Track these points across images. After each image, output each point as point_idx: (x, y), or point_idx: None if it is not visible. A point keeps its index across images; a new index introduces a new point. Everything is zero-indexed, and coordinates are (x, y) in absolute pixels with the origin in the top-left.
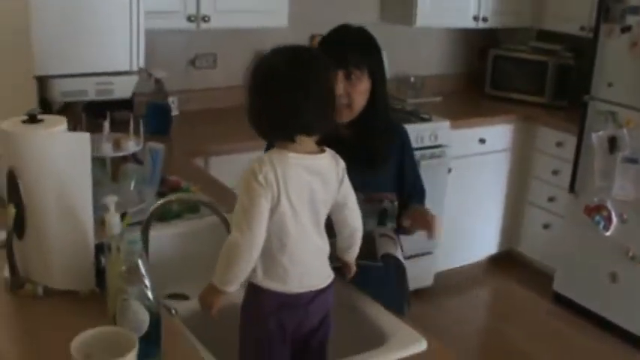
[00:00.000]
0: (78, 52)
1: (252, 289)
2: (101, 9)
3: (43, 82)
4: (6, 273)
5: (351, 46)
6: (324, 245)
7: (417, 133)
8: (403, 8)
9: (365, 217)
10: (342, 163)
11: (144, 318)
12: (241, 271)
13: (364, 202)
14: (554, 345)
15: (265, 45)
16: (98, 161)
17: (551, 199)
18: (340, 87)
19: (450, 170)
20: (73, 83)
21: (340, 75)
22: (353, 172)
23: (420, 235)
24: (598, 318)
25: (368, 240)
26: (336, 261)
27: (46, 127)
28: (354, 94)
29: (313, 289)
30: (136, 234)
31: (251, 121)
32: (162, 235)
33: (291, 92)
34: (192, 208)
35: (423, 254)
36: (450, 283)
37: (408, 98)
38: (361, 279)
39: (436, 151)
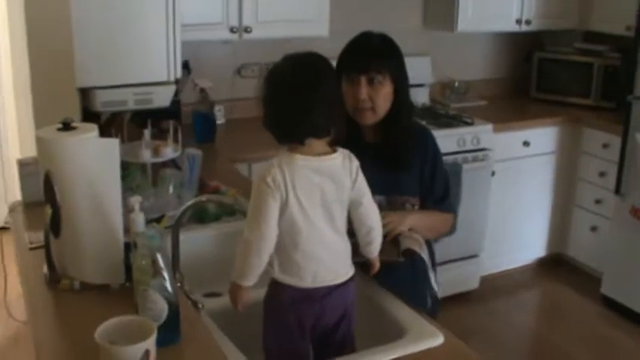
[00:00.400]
0: (117, 64)
1: (273, 284)
2: (138, 22)
3: (85, 93)
4: (45, 269)
5: (372, 52)
6: (341, 242)
7: (459, 136)
8: (445, 14)
9: None
10: (355, 162)
11: (162, 307)
12: (255, 266)
13: (386, 205)
14: (602, 349)
15: None
16: (139, 167)
17: (598, 202)
18: (363, 92)
19: (493, 173)
20: (113, 94)
21: (363, 80)
22: (376, 175)
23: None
24: None
25: (391, 238)
26: (359, 257)
27: (78, 134)
28: (376, 98)
29: (328, 284)
30: (154, 230)
31: (267, 127)
32: (200, 237)
33: (298, 95)
34: (229, 211)
35: (468, 257)
36: (497, 286)
37: (452, 103)
38: (384, 275)
39: (479, 154)
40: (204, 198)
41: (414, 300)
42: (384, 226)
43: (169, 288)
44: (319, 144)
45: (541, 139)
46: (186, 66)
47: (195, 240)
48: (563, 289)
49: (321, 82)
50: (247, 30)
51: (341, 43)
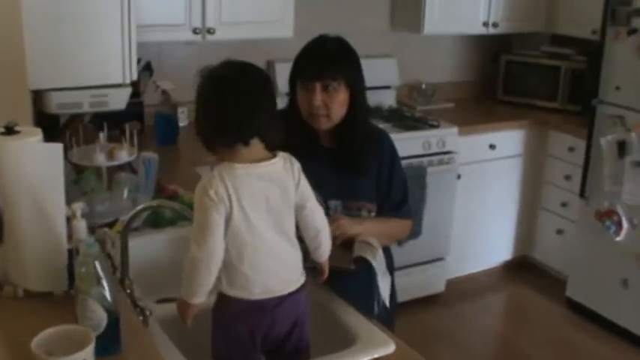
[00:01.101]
0: (71, 65)
1: (220, 297)
2: (92, 24)
3: (38, 95)
4: None
5: (326, 58)
6: (291, 249)
7: (424, 139)
8: (411, 16)
9: None
10: (296, 164)
11: (101, 316)
12: (203, 284)
13: (342, 210)
14: (566, 352)
15: (275, 55)
16: (93, 170)
17: (564, 205)
18: (318, 98)
19: (459, 176)
20: (69, 96)
21: (317, 87)
22: (332, 179)
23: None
24: (609, 323)
25: (345, 244)
26: (310, 262)
27: (21, 138)
28: (331, 104)
29: (278, 294)
30: (91, 241)
31: (202, 132)
32: (154, 241)
33: (246, 96)
34: (185, 215)
35: (434, 260)
36: (463, 289)
37: (419, 105)
38: (334, 281)
39: (444, 157)
40: (154, 203)
41: (362, 307)
42: (332, 230)
43: (109, 297)
44: (258, 149)
45: (507, 142)
46: (148, 67)
47: (149, 245)
48: (529, 292)
49: (266, 87)
50: (210, 31)
51: (298, 43)
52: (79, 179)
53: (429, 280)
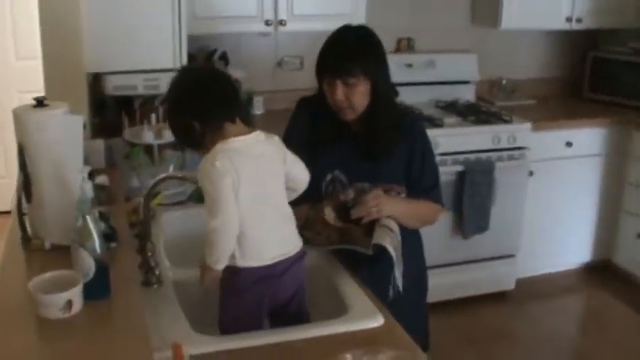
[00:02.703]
0: (126, 50)
1: (230, 270)
2: (146, 12)
3: (97, 78)
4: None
5: (344, 55)
6: (285, 214)
7: (494, 134)
8: (490, 10)
9: None
10: (276, 137)
11: (90, 265)
12: (225, 250)
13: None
14: None
15: None
16: (142, 147)
17: None
18: (339, 93)
19: (531, 173)
20: (124, 79)
21: (338, 82)
22: (360, 162)
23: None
24: None
25: (367, 227)
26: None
27: (47, 110)
28: (352, 97)
29: (287, 256)
30: (87, 195)
31: (184, 130)
32: (194, 215)
33: (220, 82)
34: None
35: (503, 257)
36: (535, 289)
37: (498, 101)
38: (351, 255)
39: (515, 153)
40: (179, 174)
41: (379, 290)
42: (371, 205)
43: (97, 249)
44: (241, 126)
45: (585, 140)
46: (224, 57)
47: (190, 219)
48: (606, 298)
49: (226, 76)
50: (282, 23)
51: (384, 38)
52: (128, 154)
53: (498, 276)
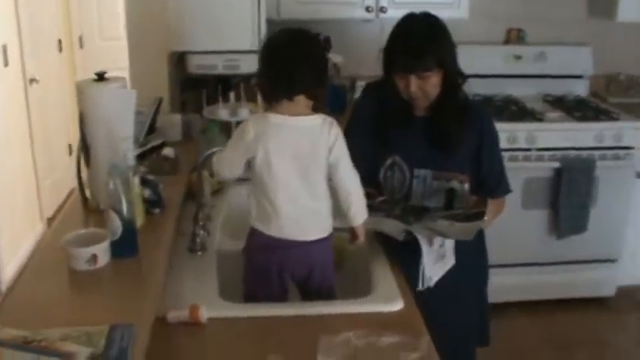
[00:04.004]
0: (208, 31)
1: (250, 231)
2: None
3: (181, 57)
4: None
5: (419, 51)
6: (314, 203)
7: (597, 132)
8: (606, 1)
9: (431, 193)
10: (335, 130)
11: (117, 225)
12: (218, 169)
13: (432, 179)
14: None
15: (455, 36)
16: (218, 123)
17: None
18: (414, 86)
19: (638, 175)
20: (205, 59)
21: (412, 77)
22: (423, 148)
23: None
24: None
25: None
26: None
27: (105, 84)
28: (426, 87)
29: (290, 238)
30: (117, 163)
31: (259, 86)
32: None
33: (290, 59)
34: None
35: (602, 261)
36: (638, 299)
37: (612, 97)
38: (392, 245)
39: (620, 152)
40: None
41: (414, 279)
42: None
43: (125, 211)
44: (301, 106)
45: None
46: (327, 41)
47: None
48: None
49: (313, 51)
50: (383, 10)
51: (494, 27)
52: (204, 130)
53: (596, 281)
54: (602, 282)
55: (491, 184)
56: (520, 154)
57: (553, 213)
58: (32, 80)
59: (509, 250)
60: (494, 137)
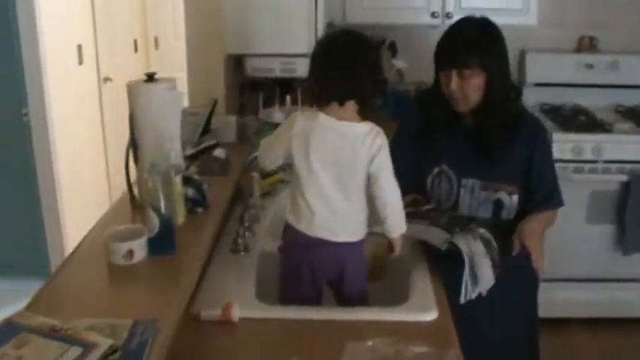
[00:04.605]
0: (264, 34)
1: (285, 225)
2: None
3: (238, 60)
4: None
5: (461, 46)
6: (348, 207)
7: None
8: None
9: (478, 204)
10: (380, 140)
11: (155, 222)
12: (260, 156)
13: (480, 189)
14: None
15: (525, 43)
16: (272, 125)
17: None
18: (453, 83)
19: None
20: (262, 62)
21: (453, 73)
22: (471, 158)
23: None
24: None
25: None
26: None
27: (154, 85)
28: (466, 88)
29: (321, 237)
30: (157, 162)
31: (309, 86)
32: None
33: (344, 64)
34: None
35: None
36: None
37: None
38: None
39: None
40: None
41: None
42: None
43: (162, 209)
44: (350, 112)
45: None
46: (392, 46)
47: None
48: None
49: (369, 58)
50: (448, 16)
51: (565, 34)
52: (258, 131)
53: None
54: None
55: (540, 196)
56: (586, 166)
57: (619, 228)
58: (106, 79)
59: (572, 264)
60: (547, 151)
